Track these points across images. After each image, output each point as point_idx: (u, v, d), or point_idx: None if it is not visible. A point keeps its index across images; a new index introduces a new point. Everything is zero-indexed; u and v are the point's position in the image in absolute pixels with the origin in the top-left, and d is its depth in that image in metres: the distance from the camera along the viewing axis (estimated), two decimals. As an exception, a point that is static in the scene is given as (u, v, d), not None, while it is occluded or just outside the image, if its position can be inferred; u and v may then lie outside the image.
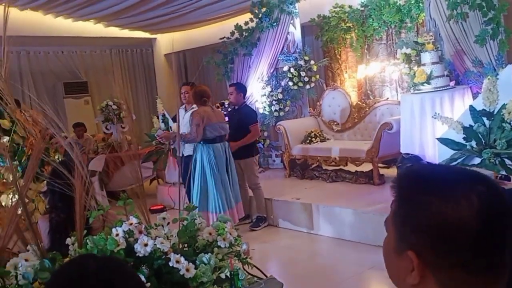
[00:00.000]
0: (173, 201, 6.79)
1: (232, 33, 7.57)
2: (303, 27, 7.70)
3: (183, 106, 5.78)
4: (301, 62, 7.14)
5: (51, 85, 10.49)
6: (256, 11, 7.25)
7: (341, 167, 6.42)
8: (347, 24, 7.53)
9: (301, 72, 7.09)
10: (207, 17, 8.38)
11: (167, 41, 10.85)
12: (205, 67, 12.61)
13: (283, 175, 7.06)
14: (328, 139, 6.96)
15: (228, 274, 1.61)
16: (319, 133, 6.92)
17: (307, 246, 5.06)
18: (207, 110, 4.84)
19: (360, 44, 7.48)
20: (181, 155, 5.49)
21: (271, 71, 7.42)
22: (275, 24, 7.18)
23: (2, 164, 2.91)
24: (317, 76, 7.24)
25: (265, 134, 7.48)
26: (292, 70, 7.10)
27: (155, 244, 1.54)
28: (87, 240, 1.57)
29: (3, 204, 2.84)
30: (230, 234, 1.75)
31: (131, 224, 1.58)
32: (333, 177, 6.40)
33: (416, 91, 5.22)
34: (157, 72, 11.35)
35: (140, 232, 1.58)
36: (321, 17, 7.65)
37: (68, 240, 1.63)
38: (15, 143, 2.89)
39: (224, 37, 7.61)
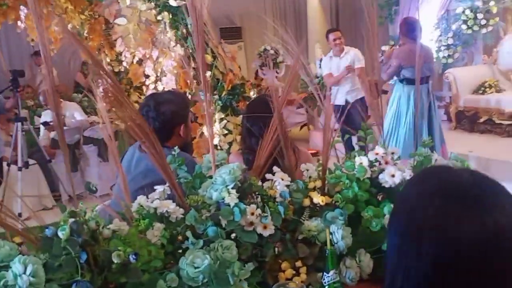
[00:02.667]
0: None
1: (399, -27, 7.07)
2: (481, -37, 6.90)
3: (331, 53, 5.53)
4: (479, 3, 6.44)
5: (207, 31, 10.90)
6: None
7: (519, 121, 5.80)
8: (537, -40, 6.57)
9: (477, 14, 6.41)
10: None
11: (321, -15, 10.57)
12: (357, 12, 12.16)
13: (447, 127, 6.58)
14: (504, 90, 6.29)
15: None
16: (495, 83, 6.27)
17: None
18: (413, 49, 4.19)
19: (551, -17, 6.50)
20: (344, 102, 5.30)
21: (442, 13, 6.82)
22: (450, -40, 6.53)
23: (203, 98, 3.06)
24: (497, 19, 6.49)
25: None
26: (467, 12, 6.45)
27: (403, 176, 1.47)
28: (334, 165, 1.56)
29: (205, 133, 3.02)
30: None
31: (377, 154, 1.53)
32: (509, 131, 5.81)
33: None
34: (309, 16, 11.18)
35: (387, 163, 1.52)
36: (504, -48, 6.78)
37: (303, 166, 1.63)
38: (215, 78, 3.00)
39: (391, -23, 7.15)
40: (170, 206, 1.31)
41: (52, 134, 5.07)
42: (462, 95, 6.33)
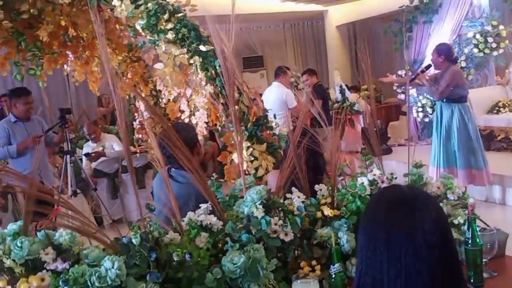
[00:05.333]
0: (349, 168, 7.07)
1: (411, 1, 7.45)
2: (490, -11, 7.24)
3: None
4: (488, 28, 6.75)
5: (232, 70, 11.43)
6: (440, -24, 7.04)
7: (534, 138, 6.04)
8: (544, -18, 6.88)
9: (488, 38, 6.72)
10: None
11: (338, 13, 11.03)
12: (374, 38, 12.56)
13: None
14: (517, 109, 6.56)
15: (460, 221, 1.84)
16: (508, 102, 6.54)
17: (499, 218, 4.93)
18: (458, 70, 4.90)
19: (559, 4, 6.79)
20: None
21: (454, 38, 7.15)
22: (460, -12, 6.89)
23: (232, 128, 3.48)
24: (506, 42, 6.78)
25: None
26: (477, 36, 6.77)
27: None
28: (341, 184, 1.93)
29: (234, 160, 3.43)
30: (459, 188, 1.96)
31: (374, 175, 1.89)
32: (524, 149, 6.06)
33: None
34: (328, 44, 11.63)
35: (383, 182, 1.88)
36: (512, -23, 7.12)
37: (317, 187, 2.00)
38: (242, 111, 3.41)
39: (403, 5, 7.52)
40: (212, 219, 1.70)
41: (94, 164, 5.56)
42: (478, 115, 6.59)
